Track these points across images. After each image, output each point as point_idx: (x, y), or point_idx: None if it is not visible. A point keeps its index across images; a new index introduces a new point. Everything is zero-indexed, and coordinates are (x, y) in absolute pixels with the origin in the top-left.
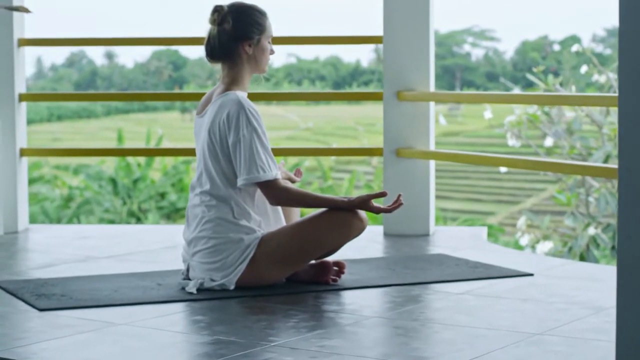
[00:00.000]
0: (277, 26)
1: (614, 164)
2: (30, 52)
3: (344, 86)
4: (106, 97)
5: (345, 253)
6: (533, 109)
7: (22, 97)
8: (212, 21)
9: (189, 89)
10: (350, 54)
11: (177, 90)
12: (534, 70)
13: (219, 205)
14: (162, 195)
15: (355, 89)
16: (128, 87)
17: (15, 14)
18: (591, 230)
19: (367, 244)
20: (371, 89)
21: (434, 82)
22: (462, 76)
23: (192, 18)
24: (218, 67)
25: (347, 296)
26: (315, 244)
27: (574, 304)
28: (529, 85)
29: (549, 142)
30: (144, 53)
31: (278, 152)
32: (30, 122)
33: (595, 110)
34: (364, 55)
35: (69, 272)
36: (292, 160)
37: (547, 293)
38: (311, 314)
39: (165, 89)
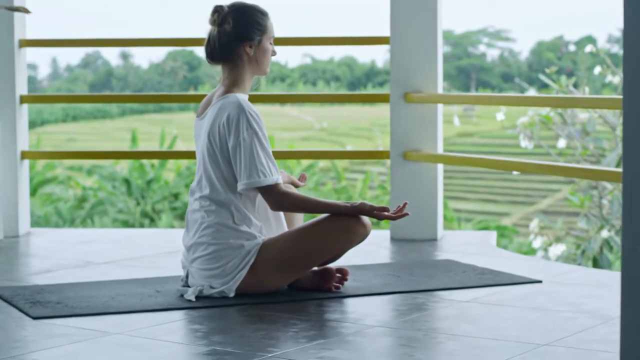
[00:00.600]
0: (287, 26)
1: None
2: (46, 52)
3: (359, 87)
4: (108, 98)
5: (350, 258)
6: (546, 110)
7: (23, 99)
8: (212, 22)
9: (204, 89)
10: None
11: (192, 91)
12: (547, 71)
13: (218, 211)
14: (176, 196)
15: (370, 89)
16: (143, 88)
17: (16, 14)
18: (604, 233)
19: (373, 249)
20: (386, 89)
21: (442, 84)
22: (477, 77)
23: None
24: (218, 68)
25: (350, 304)
26: (318, 250)
27: (582, 312)
28: (544, 86)
29: (561, 143)
30: (159, 54)
31: (288, 155)
32: (45, 122)
33: (608, 111)
34: (379, 55)
35: (67, 278)
36: (306, 162)
37: (555, 301)
38: (312, 323)
39: (180, 89)
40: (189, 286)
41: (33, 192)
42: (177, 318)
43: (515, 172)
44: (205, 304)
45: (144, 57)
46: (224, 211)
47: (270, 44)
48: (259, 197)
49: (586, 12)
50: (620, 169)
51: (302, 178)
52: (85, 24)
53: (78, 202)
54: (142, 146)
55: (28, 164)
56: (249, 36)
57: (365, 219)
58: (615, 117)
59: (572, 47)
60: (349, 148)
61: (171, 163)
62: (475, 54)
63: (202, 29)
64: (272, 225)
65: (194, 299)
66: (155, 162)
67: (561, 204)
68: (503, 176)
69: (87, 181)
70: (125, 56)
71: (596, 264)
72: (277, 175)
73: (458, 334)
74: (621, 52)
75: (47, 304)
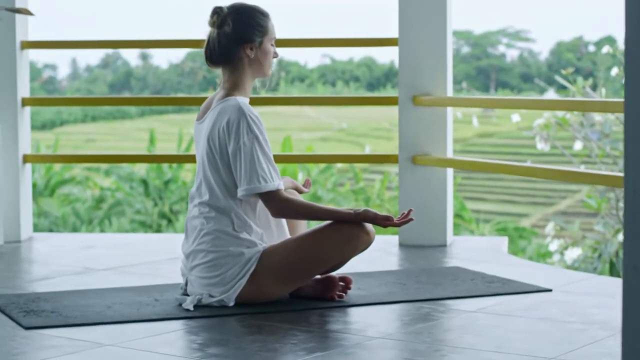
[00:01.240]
0: (292, 27)
1: None
2: (65, 53)
3: (378, 87)
4: (111, 101)
5: (356, 265)
6: (562, 112)
7: (25, 102)
8: (212, 23)
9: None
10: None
11: (211, 92)
12: (563, 72)
13: (218, 217)
14: None
15: (389, 90)
16: (162, 89)
17: (18, 15)
18: (621, 237)
19: (381, 256)
20: None
21: (452, 86)
22: (496, 77)
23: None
24: (219, 71)
25: (353, 314)
26: (320, 258)
27: (592, 323)
28: (563, 87)
29: (578, 145)
30: (178, 54)
31: (290, 158)
32: (64, 122)
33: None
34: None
35: (64, 285)
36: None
37: (565, 311)
38: (312, 334)
39: (199, 90)
40: (188, 294)
41: (51, 192)
42: (173, 328)
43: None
44: (203, 314)
45: (163, 58)
46: (223, 218)
47: (272, 45)
48: (260, 204)
49: (607, 11)
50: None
51: (307, 184)
52: (90, 25)
53: (96, 202)
54: (160, 147)
55: (30, 168)
56: (249, 38)
57: (369, 226)
58: None
59: (592, 48)
60: (368, 149)
61: (189, 164)
62: (495, 54)
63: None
64: (274, 232)
65: (192, 308)
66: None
67: (581, 205)
68: (522, 177)
69: (105, 182)
70: (144, 57)
71: (613, 267)
72: (278, 180)
73: (463, 346)
74: None
75: (41, 313)
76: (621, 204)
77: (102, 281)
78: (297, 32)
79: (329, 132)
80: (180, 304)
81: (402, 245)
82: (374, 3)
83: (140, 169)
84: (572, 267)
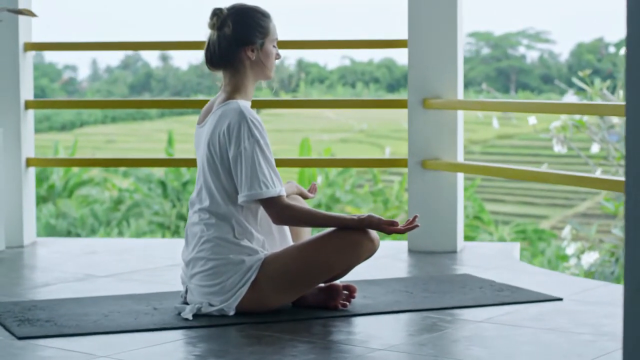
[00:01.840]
0: (299, 28)
1: None
2: (86, 54)
3: (398, 88)
4: (117, 104)
5: (363, 272)
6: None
7: (28, 105)
8: (212, 25)
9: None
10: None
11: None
12: (581, 74)
13: (218, 224)
14: None
15: None
16: (182, 90)
17: (21, 17)
18: None
19: (389, 262)
20: None
21: (463, 89)
22: (516, 78)
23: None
24: (220, 74)
25: (357, 324)
26: (323, 266)
27: (602, 335)
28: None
29: (595, 148)
30: (198, 56)
31: (295, 163)
32: (84, 123)
33: None
34: None
35: (63, 292)
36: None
37: (575, 321)
38: (313, 345)
39: (219, 90)
40: (187, 303)
41: (70, 194)
42: (171, 338)
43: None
44: (202, 323)
45: (183, 59)
46: (224, 225)
47: (274, 46)
48: (262, 210)
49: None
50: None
51: (312, 189)
52: (96, 26)
53: (114, 204)
54: (179, 148)
55: (34, 172)
56: (250, 39)
57: (373, 234)
58: None
59: (612, 49)
60: (388, 150)
61: None
62: (515, 55)
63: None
64: (276, 239)
65: (191, 318)
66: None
67: (600, 207)
68: None
69: (124, 183)
70: (164, 58)
71: None
72: (280, 186)
73: (468, 359)
74: None
75: (36, 322)
76: None
77: (102, 288)
78: (299, 34)
79: (349, 134)
80: (179, 313)
81: (412, 251)
82: (374, 3)
83: (159, 170)
84: (589, 271)
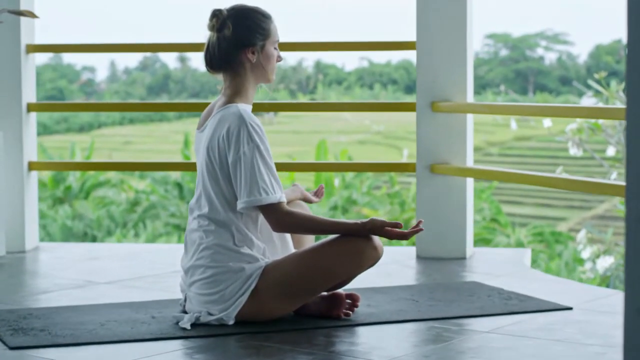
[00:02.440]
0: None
1: None
2: (104, 56)
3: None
4: (118, 107)
5: (370, 279)
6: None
7: (30, 107)
8: (211, 27)
9: (261, 92)
10: None
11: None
12: (596, 76)
13: (218, 231)
14: None
15: None
16: (200, 91)
17: (24, 19)
18: None
19: (397, 269)
20: None
21: (472, 92)
22: (535, 80)
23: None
24: (220, 77)
25: (359, 334)
26: (325, 274)
27: (612, 347)
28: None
29: (611, 151)
30: None
31: (301, 167)
32: (102, 125)
33: None
34: None
35: (62, 300)
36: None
37: (585, 332)
38: (314, 357)
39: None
40: (186, 312)
41: (86, 195)
42: (168, 349)
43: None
44: (200, 333)
45: (201, 61)
46: (223, 231)
47: (275, 48)
48: (262, 217)
49: None
50: None
51: (319, 193)
52: (104, 28)
53: (130, 205)
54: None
55: (36, 176)
56: (250, 41)
57: (377, 241)
58: None
59: None
60: (405, 152)
61: None
62: (533, 57)
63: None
64: (277, 246)
65: (189, 327)
66: None
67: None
68: None
69: (140, 184)
70: (182, 59)
71: None
72: (280, 193)
73: None
74: None
75: (30, 331)
76: None
77: (102, 295)
78: (304, 36)
79: (366, 135)
80: (177, 322)
81: (420, 257)
82: (374, 4)
83: (176, 172)
84: (605, 275)
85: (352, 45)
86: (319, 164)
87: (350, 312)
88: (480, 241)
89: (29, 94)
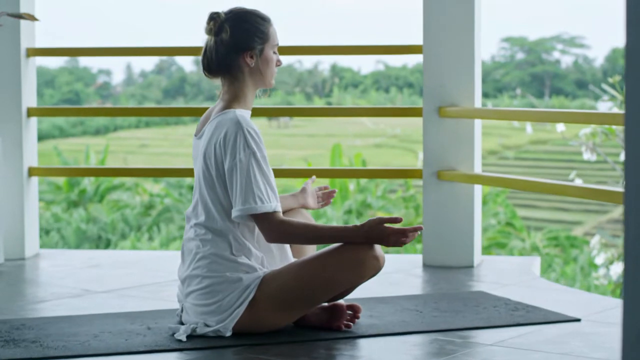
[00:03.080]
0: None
1: None
2: (120, 59)
3: None
4: (120, 112)
5: (374, 288)
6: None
7: (30, 112)
8: (208, 31)
9: (277, 96)
10: None
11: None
12: (610, 80)
13: (214, 240)
14: None
15: None
16: (216, 95)
17: (24, 22)
18: None
19: (402, 277)
20: None
21: (481, 97)
22: (551, 84)
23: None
24: (218, 82)
25: (361, 346)
26: (325, 285)
27: None
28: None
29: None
30: None
31: (308, 173)
32: (118, 128)
33: None
34: None
35: (57, 310)
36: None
37: (592, 345)
38: None
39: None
40: (183, 323)
41: (100, 199)
42: None
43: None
44: (196, 345)
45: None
46: (220, 241)
47: (275, 52)
48: None
49: None
50: None
51: (328, 196)
52: (111, 31)
53: (145, 209)
54: None
55: (37, 181)
56: (249, 45)
57: (378, 251)
58: None
59: None
60: (421, 156)
61: None
62: (550, 60)
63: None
64: (275, 256)
65: (184, 339)
66: None
67: None
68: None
69: (155, 188)
70: (198, 62)
71: None
72: (275, 202)
73: None
74: None
75: (21, 342)
76: None
77: (99, 305)
78: (310, 38)
79: (382, 139)
80: (173, 334)
81: (426, 265)
82: (376, 6)
83: (190, 175)
84: (618, 282)
85: (357, 49)
86: (324, 170)
87: (352, 324)
88: (495, 245)
89: (30, 98)
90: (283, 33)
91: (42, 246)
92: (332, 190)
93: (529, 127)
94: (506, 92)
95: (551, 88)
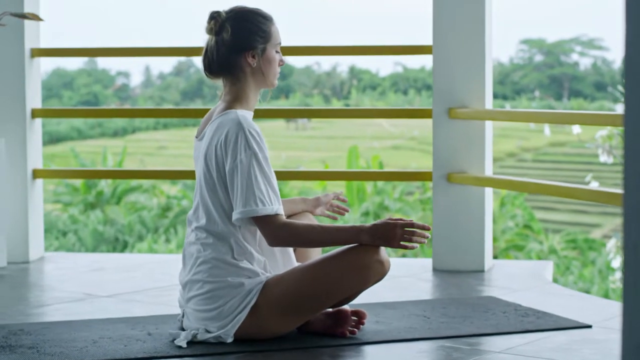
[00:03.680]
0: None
1: None
2: (139, 60)
3: None
4: (125, 113)
5: (382, 293)
6: None
7: (35, 113)
8: (209, 30)
9: (295, 98)
10: None
11: (283, 100)
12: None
13: (216, 244)
14: None
15: None
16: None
17: (28, 22)
18: None
19: (411, 282)
20: None
21: (492, 98)
22: (569, 86)
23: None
24: (220, 83)
25: (366, 353)
26: (328, 290)
27: None
28: None
29: None
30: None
31: (314, 175)
32: (136, 130)
33: None
34: None
35: (57, 315)
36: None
37: (601, 352)
38: None
39: (270, 97)
40: (184, 329)
41: (118, 200)
42: None
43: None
44: (197, 352)
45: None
46: (222, 245)
47: (277, 52)
48: None
49: None
50: None
51: (340, 209)
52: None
53: (162, 210)
54: None
55: (42, 184)
56: (250, 45)
57: (384, 255)
58: None
59: None
60: None
61: None
62: (568, 62)
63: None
64: (279, 260)
65: (185, 345)
66: None
67: None
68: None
69: (172, 190)
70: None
71: None
72: (277, 205)
73: None
74: None
75: (17, 348)
76: None
77: (100, 310)
78: (304, 39)
79: (400, 141)
80: (173, 340)
81: (436, 270)
82: (378, 6)
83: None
84: None
85: (364, 50)
86: (336, 173)
87: (356, 330)
88: (513, 248)
89: (34, 100)
90: (295, 33)
91: (59, 248)
92: (344, 207)
93: (547, 129)
94: (524, 94)
95: (570, 90)
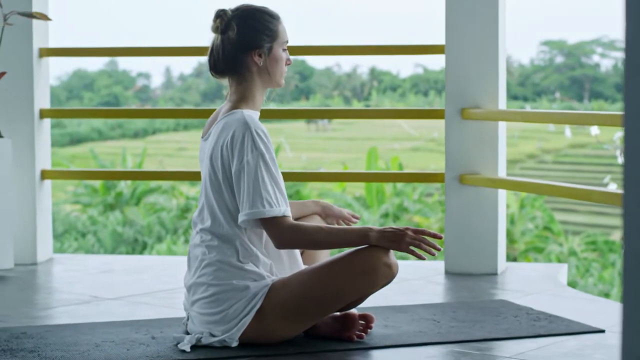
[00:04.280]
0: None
1: None
2: (160, 61)
3: None
4: (131, 113)
5: (392, 296)
6: None
7: (43, 114)
8: (215, 29)
9: (315, 99)
10: None
11: (303, 101)
12: None
13: (221, 246)
14: None
15: None
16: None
17: (36, 22)
18: None
19: (422, 285)
20: None
21: (505, 99)
22: (590, 87)
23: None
24: (226, 82)
25: (372, 358)
26: (335, 294)
27: None
28: None
29: None
30: None
31: (323, 177)
32: (157, 131)
33: None
34: None
35: (62, 317)
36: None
37: (614, 358)
38: None
39: (291, 99)
40: (189, 332)
41: (137, 201)
42: None
43: None
44: (200, 356)
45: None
46: (227, 247)
47: (284, 50)
48: None
49: None
50: None
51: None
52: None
53: (181, 212)
54: None
55: (50, 185)
56: (257, 44)
57: (392, 258)
58: None
59: None
60: None
61: None
62: (589, 64)
63: (313, 37)
64: (285, 263)
65: (188, 350)
66: None
67: None
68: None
69: (191, 191)
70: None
71: None
72: (285, 206)
73: None
74: None
75: (19, 352)
76: None
77: (106, 313)
78: (318, 39)
79: (420, 142)
80: (177, 344)
81: (449, 273)
82: (384, 7)
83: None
84: None
85: (376, 49)
86: (347, 174)
87: (364, 334)
88: (533, 250)
89: (43, 100)
90: (305, 33)
91: (78, 249)
92: (353, 214)
93: (567, 130)
94: (545, 96)
95: (591, 92)
